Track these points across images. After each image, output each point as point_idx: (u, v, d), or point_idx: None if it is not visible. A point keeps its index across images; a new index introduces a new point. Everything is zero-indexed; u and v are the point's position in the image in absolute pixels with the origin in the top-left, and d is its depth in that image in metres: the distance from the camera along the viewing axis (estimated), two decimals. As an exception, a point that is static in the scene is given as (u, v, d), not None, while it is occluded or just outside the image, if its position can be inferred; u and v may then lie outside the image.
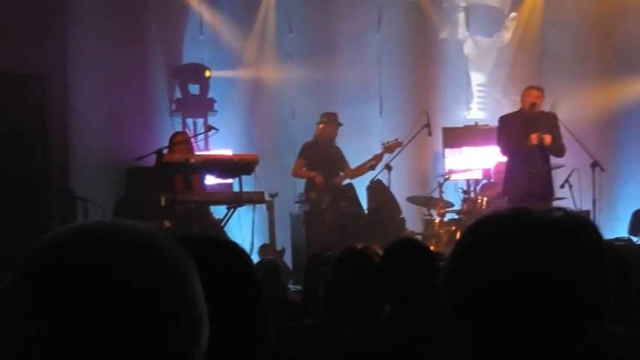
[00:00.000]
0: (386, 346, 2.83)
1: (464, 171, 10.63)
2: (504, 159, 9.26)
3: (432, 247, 8.42)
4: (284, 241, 10.33)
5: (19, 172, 8.50)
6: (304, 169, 10.21)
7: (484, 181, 10.54)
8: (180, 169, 8.77)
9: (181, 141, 9.20)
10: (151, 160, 8.87)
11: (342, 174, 10.19)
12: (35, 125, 8.82)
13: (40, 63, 9.22)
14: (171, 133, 9.75)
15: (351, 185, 10.16)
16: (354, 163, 10.32)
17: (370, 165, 10.05)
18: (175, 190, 8.66)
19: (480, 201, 9.91)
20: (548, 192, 8.91)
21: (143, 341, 1.06)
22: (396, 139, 10.16)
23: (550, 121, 8.96)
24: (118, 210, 9.42)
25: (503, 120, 9.10)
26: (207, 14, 11.62)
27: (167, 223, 8.43)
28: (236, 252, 1.69)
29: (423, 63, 11.90)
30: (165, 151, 8.97)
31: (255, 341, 1.58)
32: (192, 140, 9.51)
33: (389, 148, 10.10)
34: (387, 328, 2.92)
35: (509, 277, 1.43)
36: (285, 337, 3.05)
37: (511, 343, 1.43)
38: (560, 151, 8.97)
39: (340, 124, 10.24)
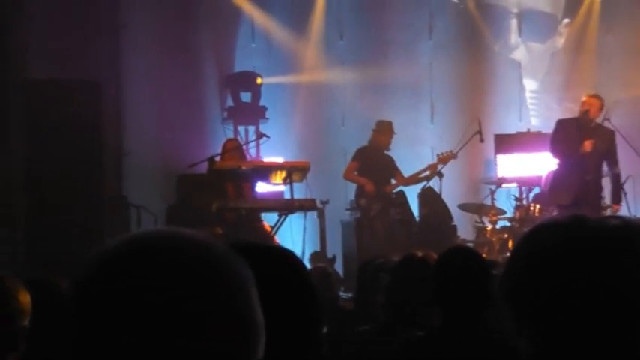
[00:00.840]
0: (441, 353, 2.81)
1: (517, 179, 10.53)
2: (555, 168, 9.15)
3: (483, 255, 8.33)
4: (335, 248, 10.32)
5: (73, 179, 8.61)
6: (356, 173, 10.20)
7: (537, 189, 10.44)
8: (231, 176, 8.84)
9: (233, 148, 9.27)
10: (203, 168, 8.94)
11: (393, 182, 10.15)
12: (89, 132, 8.92)
13: (94, 70, 9.35)
14: (223, 140, 9.81)
15: (402, 193, 10.14)
16: (405, 170, 10.29)
17: (425, 176, 10.04)
18: (227, 197, 8.67)
19: (532, 209, 9.81)
20: (599, 200, 8.79)
21: (201, 350, 1.06)
22: (451, 151, 10.13)
23: (607, 137, 8.84)
24: (169, 217, 9.46)
25: (561, 124, 9.01)
26: (258, 22, 11.67)
27: (218, 230, 8.47)
28: (290, 260, 1.69)
29: (475, 69, 11.83)
30: (217, 159, 9.04)
31: (310, 349, 1.57)
32: (244, 148, 9.56)
33: (443, 159, 10.07)
34: (442, 336, 2.89)
35: (568, 284, 1.41)
36: (340, 343, 3.04)
37: (571, 351, 1.41)
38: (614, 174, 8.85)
39: (393, 133, 10.19)
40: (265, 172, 9.00)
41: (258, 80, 11.09)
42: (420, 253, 3.55)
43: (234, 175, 8.93)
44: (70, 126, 8.66)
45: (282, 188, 9.35)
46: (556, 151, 8.89)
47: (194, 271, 1.09)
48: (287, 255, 1.70)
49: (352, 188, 10.41)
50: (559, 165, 9.02)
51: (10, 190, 8.01)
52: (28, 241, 8.22)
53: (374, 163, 10.04)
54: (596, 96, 9.04)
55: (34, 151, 8.44)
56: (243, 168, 8.96)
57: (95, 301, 1.07)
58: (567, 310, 1.39)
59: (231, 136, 10.65)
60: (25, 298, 2.55)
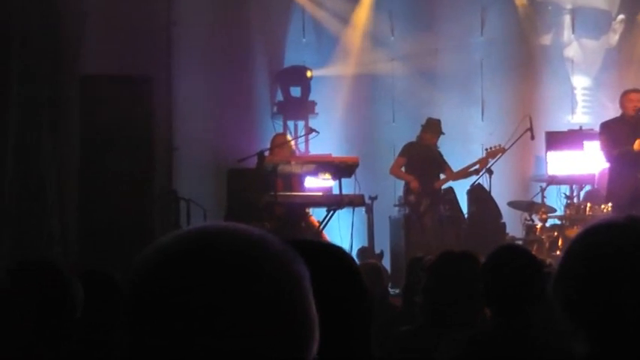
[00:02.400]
0: (491, 354, 2.78)
1: (568, 176, 10.42)
2: (609, 166, 9.03)
3: (533, 253, 8.25)
4: (383, 244, 10.29)
5: (124, 173, 8.71)
6: (403, 169, 10.17)
7: (588, 187, 10.31)
8: (280, 171, 8.85)
9: (282, 143, 9.28)
10: (253, 162, 8.97)
11: (442, 177, 10.10)
12: (141, 127, 9.01)
13: (145, 66, 9.42)
14: (273, 135, 9.80)
15: (451, 189, 10.09)
16: (454, 166, 10.23)
17: (475, 170, 9.98)
18: (276, 191, 8.72)
19: (583, 207, 9.69)
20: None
21: (257, 347, 1.07)
22: (500, 145, 10.05)
23: None
24: (228, 211, 9.51)
25: (606, 126, 8.89)
26: (309, 16, 11.67)
27: (267, 225, 8.52)
28: (343, 257, 1.68)
29: (527, 66, 11.73)
30: (266, 154, 9.06)
31: (363, 346, 1.57)
32: (293, 142, 9.57)
33: (492, 153, 10.01)
34: (492, 336, 2.87)
35: (625, 286, 1.39)
36: (384, 343, 3.03)
37: (627, 353, 1.39)
38: None
39: (442, 133, 10.14)
40: (314, 167, 9.00)
41: (308, 74, 11.11)
42: (457, 251, 3.50)
43: (284, 169, 8.93)
44: (121, 121, 8.74)
45: (330, 183, 9.34)
46: (607, 154, 8.77)
47: (254, 269, 1.09)
48: (339, 252, 1.69)
49: (401, 184, 10.39)
50: (611, 166, 8.90)
51: (64, 184, 8.13)
52: (80, 233, 8.33)
53: (421, 158, 10.02)
54: (638, 90, 8.93)
55: (87, 145, 8.55)
56: (293, 163, 8.96)
57: (154, 298, 1.08)
58: (624, 313, 1.37)
59: (280, 130, 10.68)
60: (79, 289, 2.59)
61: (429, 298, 3.32)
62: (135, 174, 8.82)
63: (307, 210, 9.11)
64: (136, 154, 8.90)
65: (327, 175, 8.91)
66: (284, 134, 9.89)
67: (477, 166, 9.98)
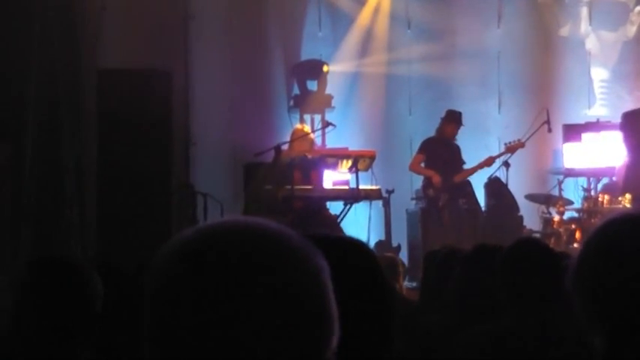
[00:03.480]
0: (510, 348, 2.78)
1: (585, 169, 10.38)
2: (628, 158, 8.98)
3: (551, 246, 8.22)
4: (400, 237, 10.29)
5: (142, 167, 8.74)
6: (422, 165, 10.16)
7: (606, 180, 10.26)
8: (298, 164, 8.86)
9: (302, 136, 9.27)
10: (270, 156, 8.98)
11: (462, 171, 10.08)
12: (158, 121, 9.03)
13: (163, 59, 9.44)
14: (293, 127, 9.81)
15: (468, 182, 10.07)
16: (471, 160, 10.21)
17: (487, 163, 9.96)
18: (294, 185, 8.73)
19: (601, 199, 9.65)
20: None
21: (276, 341, 1.07)
22: (519, 140, 10.04)
23: None
24: (247, 204, 9.51)
25: (626, 117, 8.83)
26: (325, 10, 11.65)
27: (285, 219, 8.45)
28: (362, 250, 1.68)
29: (544, 58, 11.66)
30: (285, 147, 9.04)
31: (384, 340, 1.57)
32: (312, 135, 9.53)
33: (511, 148, 10.00)
34: (510, 331, 2.86)
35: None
36: (406, 334, 3.02)
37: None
38: None
39: (461, 124, 10.11)
40: (331, 160, 9.00)
41: (325, 68, 11.09)
42: (492, 244, 3.51)
43: (301, 163, 8.93)
44: (139, 115, 8.77)
45: (347, 177, 9.34)
46: (627, 145, 8.73)
47: (274, 264, 1.09)
48: (359, 246, 1.68)
49: (418, 178, 10.39)
50: (631, 157, 8.86)
51: (82, 178, 8.16)
52: (99, 226, 8.37)
53: (441, 153, 10.00)
54: None
55: (105, 139, 8.58)
56: (309, 156, 8.97)
57: (176, 295, 1.08)
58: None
59: (297, 124, 10.67)
60: (98, 284, 2.60)
61: (461, 290, 3.31)
62: (152, 168, 8.85)
63: (325, 204, 9.09)
64: (154, 149, 8.92)
65: (346, 165, 8.86)
66: (303, 127, 9.88)
67: (489, 160, 9.99)
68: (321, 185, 9.03)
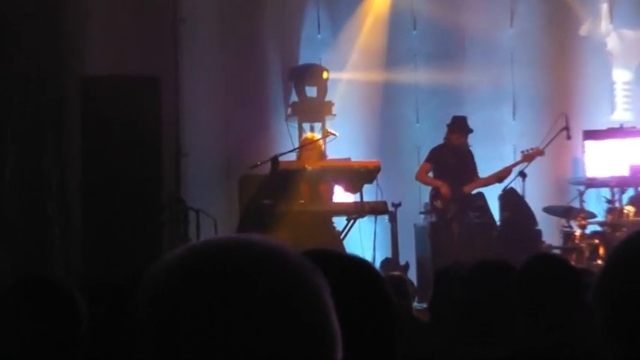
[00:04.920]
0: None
1: (608, 179, 10.36)
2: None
3: (572, 263, 8.24)
4: (408, 255, 10.31)
5: (130, 180, 8.73)
6: (430, 175, 10.17)
7: (631, 190, 10.25)
8: (296, 177, 8.86)
9: (310, 144, 9.26)
10: (267, 168, 9.02)
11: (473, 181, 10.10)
12: (147, 131, 9.00)
13: (152, 65, 9.47)
14: (303, 136, 9.85)
15: (481, 194, 10.08)
16: (483, 170, 10.23)
17: (497, 175, 9.98)
18: (300, 199, 8.76)
19: (626, 212, 9.64)
20: None
21: (275, 357, 1.09)
22: (537, 147, 10.06)
23: None
24: (242, 219, 9.52)
25: None
26: (324, 11, 11.68)
27: (283, 236, 8.45)
28: (366, 268, 1.69)
29: (561, 60, 11.65)
30: (288, 156, 9.02)
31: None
32: (322, 142, 9.46)
33: (528, 156, 10.02)
34: (528, 353, 2.86)
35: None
36: (418, 356, 3.01)
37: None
38: None
39: (470, 131, 10.12)
40: (333, 172, 9.00)
41: (324, 75, 11.10)
42: (492, 260, 3.49)
43: (300, 176, 8.93)
44: (126, 125, 8.77)
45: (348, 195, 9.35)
46: None
47: (270, 283, 1.12)
48: (363, 264, 1.70)
49: (426, 190, 10.38)
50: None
51: (66, 191, 8.16)
52: (84, 243, 8.36)
53: (450, 161, 10.02)
54: None
55: (90, 150, 8.58)
56: (309, 168, 8.96)
57: (168, 316, 1.11)
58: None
59: (295, 134, 10.71)
60: (82, 306, 2.60)
61: (462, 311, 3.31)
62: (141, 182, 8.84)
63: (331, 219, 9.10)
64: (142, 160, 8.89)
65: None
66: (313, 135, 9.83)
67: (505, 172, 10.00)
68: (331, 200, 9.01)
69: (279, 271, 1.13)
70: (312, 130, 10.86)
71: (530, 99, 11.67)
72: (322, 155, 9.33)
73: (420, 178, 10.27)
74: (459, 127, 10.16)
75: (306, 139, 9.53)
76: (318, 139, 9.43)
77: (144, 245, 8.47)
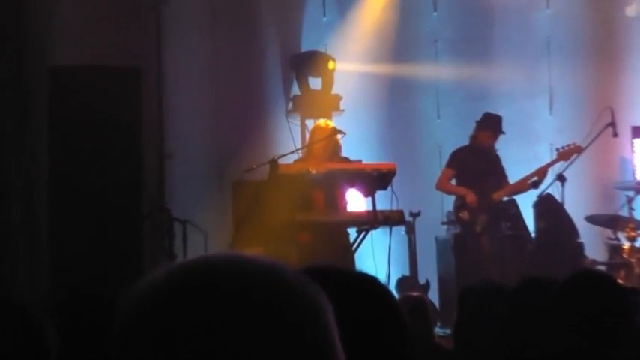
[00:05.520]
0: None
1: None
2: None
3: (620, 280, 8.24)
4: (428, 271, 10.34)
5: (106, 187, 8.73)
6: (453, 182, 10.18)
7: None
8: (300, 182, 8.86)
9: (327, 137, 9.14)
10: (265, 172, 9.03)
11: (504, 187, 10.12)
12: (125, 130, 8.96)
13: (130, 54, 9.51)
14: (312, 125, 9.75)
15: (513, 202, 10.10)
16: (516, 173, 10.24)
17: (533, 182, 10.01)
18: (318, 208, 8.79)
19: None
20: None
21: None
22: (574, 143, 10.04)
23: None
24: (235, 235, 9.54)
25: None
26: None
27: (289, 251, 8.60)
28: (376, 286, 1.71)
29: (606, 44, 11.68)
30: (290, 158, 9.05)
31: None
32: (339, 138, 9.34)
33: (564, 154, 10.04)
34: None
35: None
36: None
37: None
38: None
39: (502, 133, 10.16)
40: (342, 177, 9.01)
41: (331, 64, 11.12)
42: (539, 277, 3.50)
43: (303, 181, 8.92)
44: (102, 122, 8.77)
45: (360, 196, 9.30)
46: None
47: (264, 307, 1.14)
48: (372, 282, 1.71)
49: (449, 197, 10.42)
50: None
51: (31, 199, 8.17)
52: (52, 261, 8.37)
53: (477, 165, 10.05)
54: None
55: (59, 152, 8.58)
56: (314, 172, 8.95)
57: (151, 345, 1.13)
58: None
59: (296, 131, 10.72)
60: (51, 331, 2.61)
61: (507, 335, 3.31)
62: (119, 188, 8.80)
63: (344, 231, 9.11)
64: (120, 162, 8.86)
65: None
66: (327, 124, 9.55)
67: (535, 178, 10.00)
68: (346, 208, 9.05)
69: (273, 288, 1.15)
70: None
71: (570, 90, 11.68)
72: (339, 150, 9.27)
73: (442, 186, 10.29)
74: (492, 125, 10.18)
75: (319, 127, 9.44)
76: (333, 130, 9.28)
77: (122, 262, 8.45)
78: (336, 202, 9.11)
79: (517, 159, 10.55)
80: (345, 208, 9.13)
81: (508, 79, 11.64)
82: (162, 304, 1.15)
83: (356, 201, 9.38)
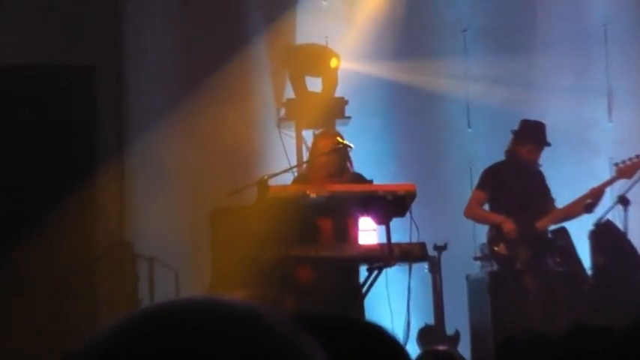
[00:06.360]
0: None
1: None
2: None
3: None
4: (458, 320, 10.33)
5: (52, 214, 8.78)
6: (486, 207, 10.16)
7: None
8: (295, 208, 8.78)
9: (335, 149, 9.13)
10: (251, 196, 9.03)
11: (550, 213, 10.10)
12: (77, 142, 9.12)
13: (84, 50, 9.65)
14: (314, 135, 9.82)
15: (564, 230, 10.12)
16: (565, 194, 10.20)
17: (587, 205, 9.98)
18: (323, 240, 8.81)
19: None
20: None
21: None
22: (638, 156, 10.06)
23: None
24: (214, 275, 9.53)
25: None
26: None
27: (286, 296, 8.62)
28: (386, 341, 1.74)
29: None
30: (300, 169, 9.18)
31: None
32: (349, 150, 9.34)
33: (627, 170, 10.08)
34: None
35: None
36: None
37: None
38: None
39: (547, 144, 10.11)
40: (348, 201, 8.94)
41: (334, 62, 11.14)
42: (597, 325, 3.48)
43: (300, 206, 8.88)
44: (47, 130, 8.83)
45: (371, 226, 9.40)
46: None
47: (238, 353, 1.17)
48: (380, 334, 1.75)
49: (483, 226, 10.38)
50: None
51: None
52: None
53: (515, 187, 10.04)
54: None
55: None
56: (313, 196, 8.91)
57: None
58: None
59: (291, 143, 10.73)
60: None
61: None
62: (66, 214, 8.87)
63: (357, 269, 9.13)
64: (68, 184, 8.98)
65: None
66: (332, 132, 9.65)
67: (589, 200, 9.98)
68: (357, 240, 9.08)
69: (255, 341, 1.19)
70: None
71: (633, 91, 11.76)
72: (348, 167, 9.25)
73: (472, 213, 10.29)
74: (533, 135, 10.12)
75: (320, 139, 9.40)
76: (338, 141, 9.22)
77: (71, 309, 8.63)
78: (345, 233, 9.09)
79: (567, 177, 10.65)
80: (356, 240, 9.14)
81: (555, 78, 11.75)
82: (121, 353, 1.18)
83: (365, 231, 9.43)
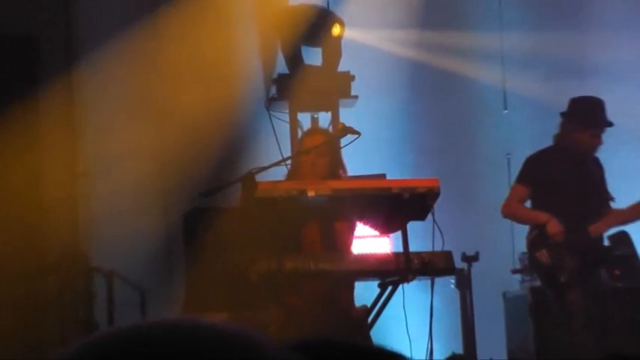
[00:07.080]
0: None
1: None
2: None
3: None
4: (493, 345, 10.38)
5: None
6: (527, 204, 10.05)
7: None
8: (289, 210, 8.66)
9: (316, 147, 9.13)
10: (233, 196, 9.04)
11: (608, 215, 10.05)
12: (18, 134, 9.23)
13: (26, 19, 9.89)
14: (301, 134, 9.93)
15: (624, 234, 10.23)
16: (627, 192, 10.14)
17: None
18: (303, 249, 8.88)
19: None
20: None
21: None
22: None
23: None
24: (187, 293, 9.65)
25: None
26: None
27: (273, 317, 8.66)
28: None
29: None
30: (291, 162, 9.09)
31: None
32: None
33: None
34: None
35: None
36: None
37: None
38: None
39: (609, 124, 10.01)
40: (355, 201, 8.83)
41: (336, 30, 11.09)
42: None
43: (294, 207, 8.72)
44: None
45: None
46: None
47: None
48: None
49: (522, 232, 10.21)
50: None
51: None
52: None
53: (565, 181, 9.94)
54: None
55: None
56: (312, 194, 8.74)
57: None
58: None
59: (285, 130, 10.70)
60: None
61: None
62: (10, 223, 9.17)
63: (352, 285, 9.18)
64: (10, 185, 9.24)
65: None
66: (321, 129, 9.90)
67: None
68: (351, 249, 9.12)
69: None
70: (314, 121, 10.86)
71: None
72: (338, 165, 9.23)
73: (511, 210, 10.18)
74: (588, 116, 9.99)
75: (310, 135, 9.48)
76: (342, 128, 9.22)
77: (19, 334, 9.04)
78: (347, 239, 9.13)
79: (628, 170, 10.77)
80: (351, 247, 9.20)
81: (608, 54, 11.90)
82: None
83: (377, 237, 9.52)
